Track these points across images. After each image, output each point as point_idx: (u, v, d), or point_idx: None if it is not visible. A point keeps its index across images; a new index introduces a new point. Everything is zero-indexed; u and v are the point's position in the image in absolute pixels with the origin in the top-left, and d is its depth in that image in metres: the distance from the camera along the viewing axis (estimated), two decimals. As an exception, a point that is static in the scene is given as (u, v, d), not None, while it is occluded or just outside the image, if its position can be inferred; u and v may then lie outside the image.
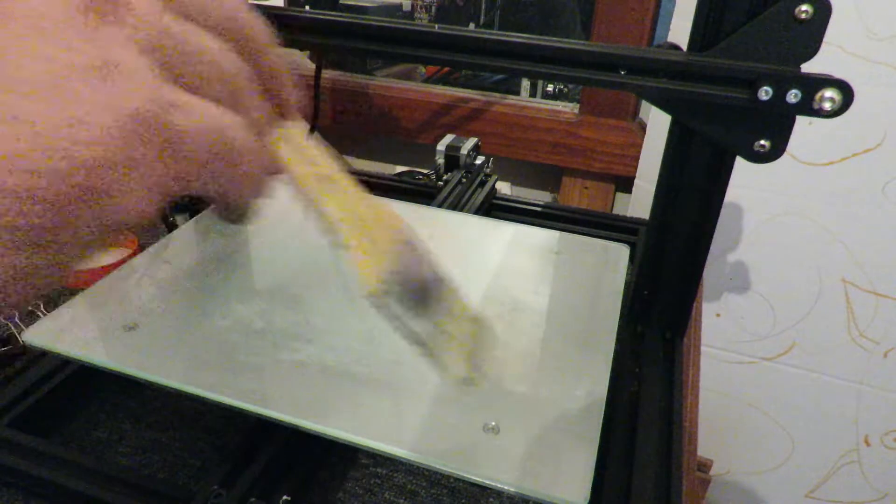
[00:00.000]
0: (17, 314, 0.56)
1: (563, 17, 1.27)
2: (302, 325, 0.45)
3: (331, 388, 0.40)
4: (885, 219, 0.83)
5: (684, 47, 0.42)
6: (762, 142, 0.41)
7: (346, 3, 1.31)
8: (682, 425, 0.43)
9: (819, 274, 0.90)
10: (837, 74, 0.37)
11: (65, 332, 0.43)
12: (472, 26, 1.42)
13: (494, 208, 0.76)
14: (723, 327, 0.98)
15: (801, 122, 0.39)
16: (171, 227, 0.62)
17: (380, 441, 0.36)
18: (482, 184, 0.76)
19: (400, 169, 1.08)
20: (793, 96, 0.38)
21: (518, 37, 0.44)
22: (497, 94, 1.07)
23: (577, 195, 1.05)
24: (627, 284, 0.53)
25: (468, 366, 0.31)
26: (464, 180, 0.75)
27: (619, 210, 1.05)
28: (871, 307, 0.89)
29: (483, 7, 1.38)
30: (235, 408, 0.38)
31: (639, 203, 0.97)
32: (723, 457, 1.08)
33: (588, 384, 0.41)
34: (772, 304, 0.94)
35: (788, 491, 1.07)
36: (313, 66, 0.82)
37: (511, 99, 1.06)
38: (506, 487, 0.34)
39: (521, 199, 0.76)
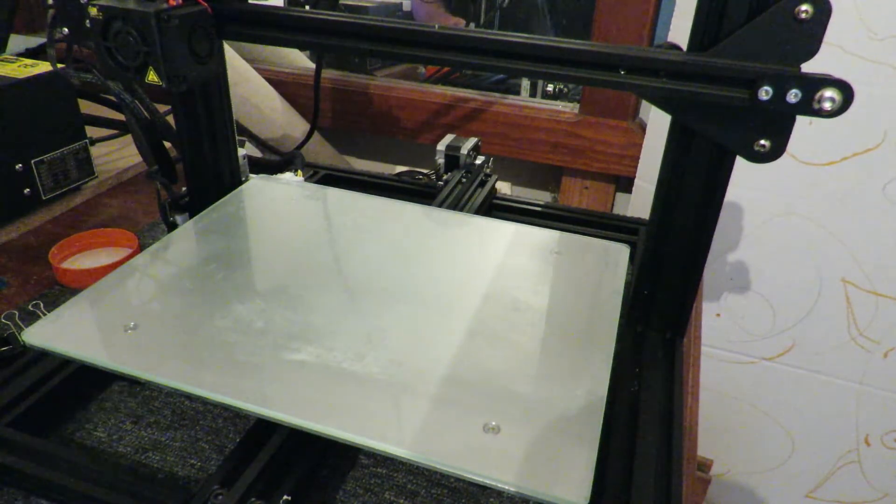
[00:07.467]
0: (17, 314, 0.56)
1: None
2: (302, 325, 0.45)
3: (331, 388, 0.40)
4: (885, 219, 0.83)
5: (684, 47, 0.42)
6: (762, 142, 0.41)
7: (346, 3, 1.31)
8: (682, 425, 0.43)
9: (819, 274, 0.90)
10: (837, 74, 0.37)
11: (65, 332, 0.43)
12: (472, 26, 1.42)
13: (494, 208, 0.76)
14: (723, 327, 0.98)
15: (801, 122, 0.39)
16: (171, 227, 0.62)
17: (380, 441, 0.36)
18: (482, 184, 0.76)
19: (400, 169, 1.08)
20: (793, 96, 0.38)
21: (518, 37, 0.44)
22: (497, 94, 1.07)
23: (577, 195, 1.05)
24: (627, 284, 0.53)
25: None
26: (464, 180, 0.75)
27: (619, 210, 1.05)
28: (871, 307, 0.89)
29: (483, 7, 1.38)
30: (235, 408, 0.38)
31: (639, 203, 0.97)
32: (723, 457, 1.08)
33: (588, 384, 0.41)
34: (772, 304, 0.94)
35: (788, 491, 1.07)
36: (313, 66, 0.82)
37: (511, 99, 1.06)
38: (506, 487, 0.34)
39: (521, 199, 0.76)
